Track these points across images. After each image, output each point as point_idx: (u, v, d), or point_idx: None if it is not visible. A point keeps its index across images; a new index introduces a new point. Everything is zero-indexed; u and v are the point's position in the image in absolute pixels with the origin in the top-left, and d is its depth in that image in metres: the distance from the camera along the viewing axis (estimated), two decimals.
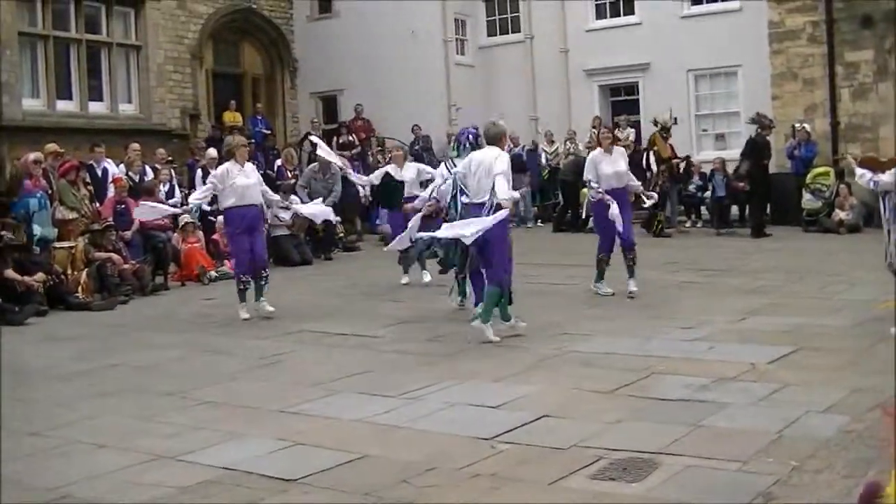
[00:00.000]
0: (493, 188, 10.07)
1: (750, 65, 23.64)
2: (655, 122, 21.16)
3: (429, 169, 14.92)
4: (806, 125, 21.72)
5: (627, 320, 11.14)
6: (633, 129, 25.36)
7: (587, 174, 12.97)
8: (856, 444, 6.22)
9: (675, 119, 21.42)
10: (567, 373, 8.59)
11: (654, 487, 5.61)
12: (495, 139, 10.66)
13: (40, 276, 13.44)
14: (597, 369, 8.64)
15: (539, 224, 24.32)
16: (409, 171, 14.74)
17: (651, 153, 20.60)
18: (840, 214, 20.55)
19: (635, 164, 21.35)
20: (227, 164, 12.47)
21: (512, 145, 21.74)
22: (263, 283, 12.51)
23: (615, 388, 7.90)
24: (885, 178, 9.69)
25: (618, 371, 8.50)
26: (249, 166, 12.70)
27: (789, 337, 9.69)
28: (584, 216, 16.82)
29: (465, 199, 10.59)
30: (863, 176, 10.02)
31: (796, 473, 5.71)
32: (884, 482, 4.10)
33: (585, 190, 22.47)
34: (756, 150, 20.59)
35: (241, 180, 12.27)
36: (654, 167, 20.52)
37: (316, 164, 18.77)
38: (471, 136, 11.79)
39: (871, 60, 21.74)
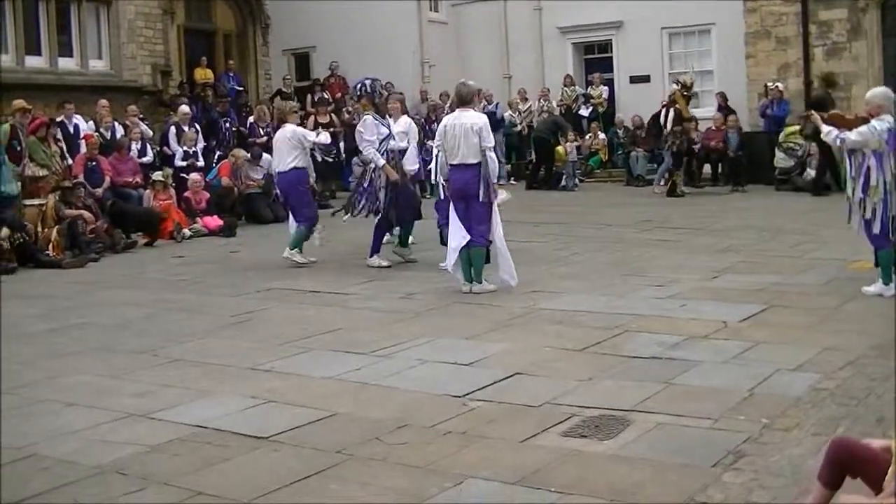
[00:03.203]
0: (483, 157, 10.33)
1: (724, 23, 23.57)
2: (677, 82, 21.01)
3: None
4: (779, 84, 21.72)
5: (599, 278, 11.14)
6: (606, 87, 25.42)
7: None
8: (826, 402, 6.26)
9: (693, 78, 21.29)
10: (539, 330, 8.60)
11: (626, 445, 5.62)
12: (468, 99, 10.74)
13: (4, 231, 13.32)
14: (569, 327, 8.65)
15: (512, 182, 23.95)
16: (400, 124, 13.94)
17: (671, 110, 20.44)
18: (812, 174, 20.58)
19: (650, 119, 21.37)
20: (293, 127, 13.12)
21: (486, 102, 21.63)
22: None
23: (587, 346, 7.91)
24: (852, 136, 9.54)
25: (590, 329, 8.50)
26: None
27: (761, 295, 9.72)
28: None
29: (452, 161, 10.57)
30: (829, 133, 9.87)
31: (767, 431, 5.74)
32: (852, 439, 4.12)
33: (560, 148, 22.73)
34: (821, 106, 20.36)
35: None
36: (669, 125, 20.37)
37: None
38: (365, 86, 13.31)
39: (844, 19, 21.73)
